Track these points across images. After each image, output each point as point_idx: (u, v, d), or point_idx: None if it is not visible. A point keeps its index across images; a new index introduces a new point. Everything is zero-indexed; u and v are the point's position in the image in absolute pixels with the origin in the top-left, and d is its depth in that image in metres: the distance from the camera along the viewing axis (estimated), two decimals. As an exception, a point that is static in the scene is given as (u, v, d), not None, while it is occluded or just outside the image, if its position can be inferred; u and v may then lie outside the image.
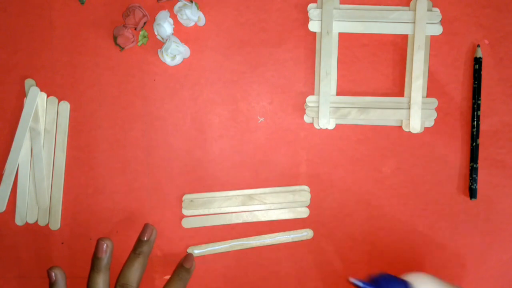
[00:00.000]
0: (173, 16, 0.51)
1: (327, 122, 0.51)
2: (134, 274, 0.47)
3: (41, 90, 0.52)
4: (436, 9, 0.51)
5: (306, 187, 0.52)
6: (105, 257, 0.47)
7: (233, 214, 0.52)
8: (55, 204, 0.52)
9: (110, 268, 0.48)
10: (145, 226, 0.50)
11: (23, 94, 0.52)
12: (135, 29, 0.51)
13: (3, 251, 0.53)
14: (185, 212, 0.52)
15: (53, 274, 0.47)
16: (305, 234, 0.52)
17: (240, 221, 0.52)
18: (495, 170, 0.52)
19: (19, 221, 0.53)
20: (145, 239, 0.49)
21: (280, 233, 0.52)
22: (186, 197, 0.52)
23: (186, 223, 0.52)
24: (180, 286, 0.48)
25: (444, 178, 0.52)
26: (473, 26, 0.52)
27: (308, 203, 0.52)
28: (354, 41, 0.52)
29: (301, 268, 0.53)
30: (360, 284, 0.41)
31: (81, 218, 0.53)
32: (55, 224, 0.53)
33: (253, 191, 0.52)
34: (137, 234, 0.52)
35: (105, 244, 0.47)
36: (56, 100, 0.52)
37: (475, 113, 0.51)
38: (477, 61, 0.51)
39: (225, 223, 0.52)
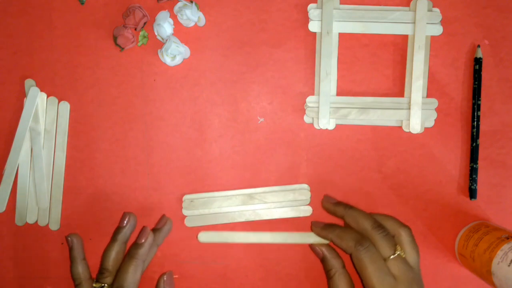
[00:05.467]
0: (173, 17, 0.51)
1: (327, 122, 0.51)
2: (129, 276, 0.47)
3: (41, 90, 0.52)
4: (436, 10, 0.51)
5: (306, 186, 0.52)
6: (123, 229, 0.49)
7: (235, 213, 0.52)
8: (55, 204, 0.52)
9: (127, 241, 0.50)
10: (142, 229, 0.49)
11: (23, 94, 0.52)
12: (135, 29, 0.51)
13: (3, 251, 0.53)
14: (185, 212, 0.52)
15: (69, 240, 0.50)
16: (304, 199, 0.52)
17: (243, 220, 0.52)
18: (495, 170, 0.52)
19: (19, 221, 0.53)
20: (142, 241, 0.48)
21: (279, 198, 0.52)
22: (186, 197, 0.52)
23: (189, 222, 0.52)
24: (134, 266, 0.47)
25: (444, 178, 0.52)
26: (473, 27, 0.52)
27: (308, 201, 0.52)
28: (354, 41, 0.52)
29: (301, 268, 0.53)
30: None
31: (81, 218, 0.53)
32: (55, 224, 0.53)
33: (253, 190, 0.52)
34: (137, 234, 0.52)
35: (128, 216, 0.50)
36: (56, 100, 0.52)
37: (475, 114, 0.51)
38: (477, 61, 0.51)
39: (228, 222, 0.52)
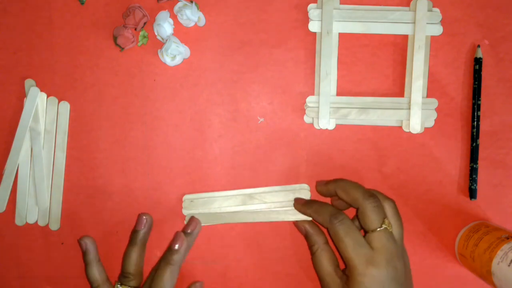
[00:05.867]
0: (173, 17, 0.51)
1: (327, 122, 0.51)
2: (166, 282, 0.47)
3: (41, 90, 0.52)
4: (436, 10, 0.51)
5: (306, 186, 0.52)
6: (142, 231, 0.50)
7: (235, 212, 0.52)
8: (55, 204, 0.52)
9: (146, 243, 0.50)
10: (176, 234, 0.49)
11: (23, 94, 0.52)
12: (135, 29, 0.51)
13: (3, 251, 0.53)
14: (185, 212, 0.52)
15: (83, 244, 0.50)
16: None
17: (244, 221, 0.52)
18: (495, 170, 0.52)
19: (19, 221, 0.53)
20: (178, 248, 0.48)
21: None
22: (186, 197, 0.52)
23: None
24: (170, 272, 0.47)
25: (444, 178, 0.52)
26: (473, 26, 0.52)
27: (308, 202, 0.52)
28: (354, 42, 0.52)
29: (302, 268, 0.53)
30: None
31: (81, 218, 0.53)
32: (55, 224, 0.53)
33: (253, 190, 0.52)
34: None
35: (145, 218, 0.50)
36: (56, 100, 0.52)
37: (475, 113, 0.51)
38: (477, 61, 0.51)
39: (228, 222, 0.52)
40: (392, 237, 0.44)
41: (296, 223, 0.51)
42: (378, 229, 0.44)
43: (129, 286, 0.48)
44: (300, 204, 0.50)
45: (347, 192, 0.46)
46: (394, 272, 0.43)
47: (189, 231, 0.50)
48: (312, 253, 0.48)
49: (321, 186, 0.50)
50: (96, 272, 0.49)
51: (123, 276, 0.49)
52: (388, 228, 0.44)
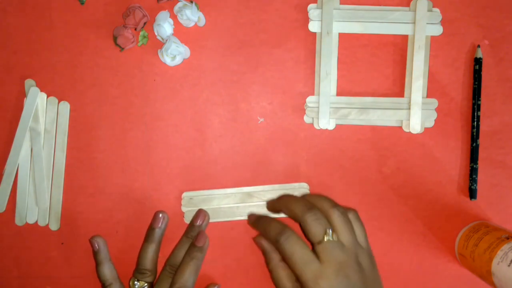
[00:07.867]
0: (173, 17, 0.51)
1: (327, 122, 0.51)
2: (190, 276, 0.48)
3: (41, 90, 0.52)
4: (436, 10, 0.51)
5: (305, 184, 0.52)
6: (159, 229, 0.50)
7: (233, 208, 0.52)
8: (55, 204, 0.52)
9: (162, 240, 0.51)
10: (200, 232, 0.50)
11: (23, 94, 0.52)
12: (135, 29, 0.51)
13: (3, 251, 0.53)
14: (184, 209, 0.52)
15: (95, 243, 0.50)
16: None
17: (243, 217, 0.52)
18: (495, 170, 0.52)
19: (19, 221, 0.53)
20: (203, 245, 0.49)
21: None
22: (186, 194, 0.52)
23: (188, 218, 0.52)
24: (194, 268, 0.48)
25: (444, 178, 0.52)
26: (473, 27, 0.52)
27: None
28: (354, 42, 0.52)
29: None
30: None
31: (81, 218, 0.53)
32: (55, 224, 0.53)
33: (253, 189, 0.52)
34: (137, 234, 0.52)
35: (162, 216, 0.50)
36: (56, 100, 0.52)
37: (475, 114, 0.51)
38: (477, 61, 0.51)
39: (227, 219, 0.52)
40: (339, 246, 0.43)
41: (254, 239, 0.50)
42: (321, 241, 0.43)
43: (145, 282, 0.49)
44: (252, 221, 0.50)
45: (288, 209, 0.46)
46: (346, 281, 0.41)
47: (198, 223, 0.50)
48: (270, 270, 0.47)
49: (269, 205, 0.51)
50: (108, 271, 0.50)
51: (139, 272, 0.49)
52: (332, 238, 0.43)
